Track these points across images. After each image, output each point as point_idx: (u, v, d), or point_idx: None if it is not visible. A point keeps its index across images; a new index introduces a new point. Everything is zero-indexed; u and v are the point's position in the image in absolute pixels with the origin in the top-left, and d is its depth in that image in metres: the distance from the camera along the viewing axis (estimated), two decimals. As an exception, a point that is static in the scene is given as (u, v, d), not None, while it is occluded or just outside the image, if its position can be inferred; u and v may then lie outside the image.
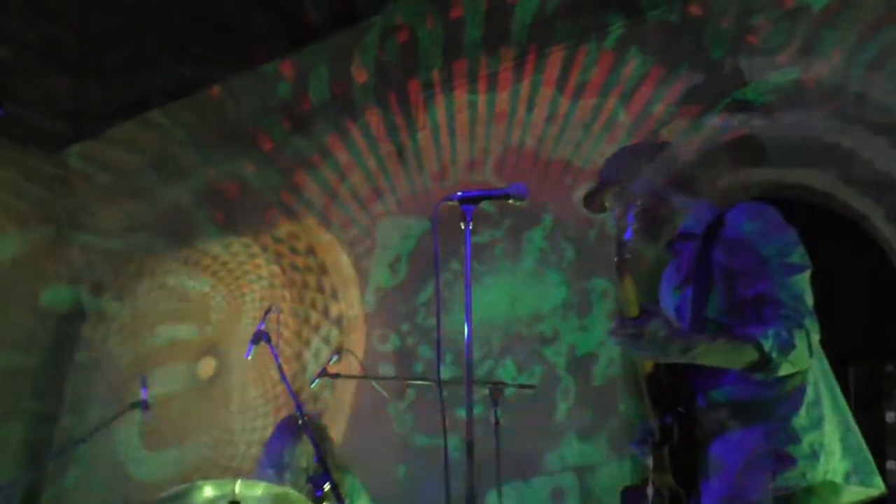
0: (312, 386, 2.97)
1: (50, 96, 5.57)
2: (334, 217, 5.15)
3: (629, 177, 2.15)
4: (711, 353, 1.83)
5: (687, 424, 1.92)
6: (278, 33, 5.16)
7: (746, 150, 3.81)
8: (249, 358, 2.72)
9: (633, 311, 1.90)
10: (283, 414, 4.24)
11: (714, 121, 3.97)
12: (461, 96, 4.89)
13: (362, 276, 4.89)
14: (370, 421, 4.42)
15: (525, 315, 4.24)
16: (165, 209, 5.88)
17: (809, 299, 1.87)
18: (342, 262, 5.02)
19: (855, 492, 1.86)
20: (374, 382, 3.42)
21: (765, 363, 1.78)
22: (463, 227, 2.06)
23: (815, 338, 1.83)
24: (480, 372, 4.21)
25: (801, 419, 1.83)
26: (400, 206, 4.91)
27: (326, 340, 4.83)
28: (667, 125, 4.20)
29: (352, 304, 4.87)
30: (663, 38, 4.30)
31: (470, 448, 1.82)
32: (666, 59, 4.26)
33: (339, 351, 3.11)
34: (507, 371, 4.18)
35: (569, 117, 4.51)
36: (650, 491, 1.91)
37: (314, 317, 4.98)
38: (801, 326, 1.80)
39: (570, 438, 3.87)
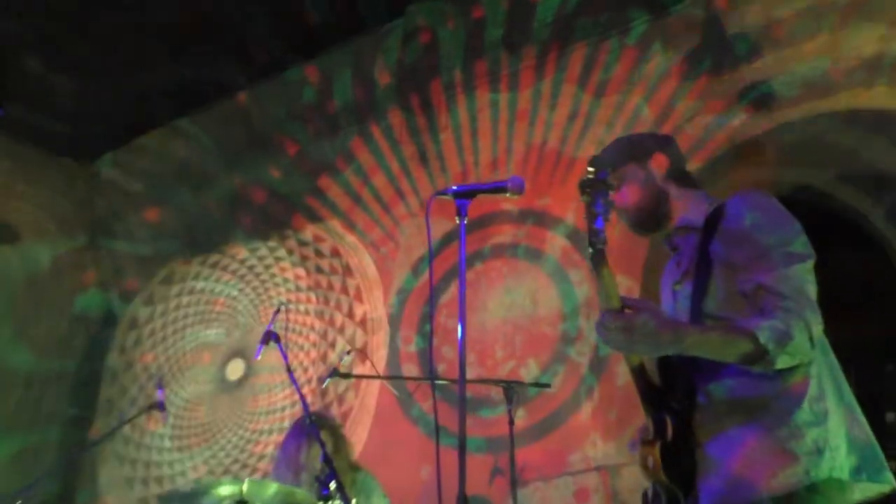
0: (324, 385, 2.97)
1: (82, 107, 5.70)
2: (358, 220, 5.17)
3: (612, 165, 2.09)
4: (705, 345, 1.76)
5: (682, 421, 1.83)
6: (302, 38, 5.23)
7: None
8: (259, 358, 2.73)
9: (616, 303, 1.82)
10: (309, 415, 4.26)
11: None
12: (483, 96, 4.89)
13: (386, 277, 4.90)
14: (393, 421, 4.41)
15: (548, 314, 4.20)
16: (193, 215, 5.96)
17: (812, 290, 1.79)
18: (366, 263, 5.04)
19: (863, 488, 1.76)
20: (386, 382, 3.41)
21: (761, 355, 1.70)
22: (458, 221, 2.00)
23: (817, 329, 1.75)
24: (503, 372, 4.18)
25: (803, 414, 1.74)
26: (423, 207, 4.91)
27: (352, 342, 4.84)
28: (691, 121, 4.14)
29: (375, 305, 4.88)
30: (686, 32, 4.24)
31: (462, 448, 1.76)
32: (689, 55, 4.20)
33: (349, 351, 3.10)
34: (529, 371, 4.14)
35: (591, 115, 4.48)
36: (650, 491, 1.84)
37: (339, 318, 5.00)
38: (800, 318, 1.72)
39: (594, 438, 3.82)
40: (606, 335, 1.78)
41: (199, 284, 5.78)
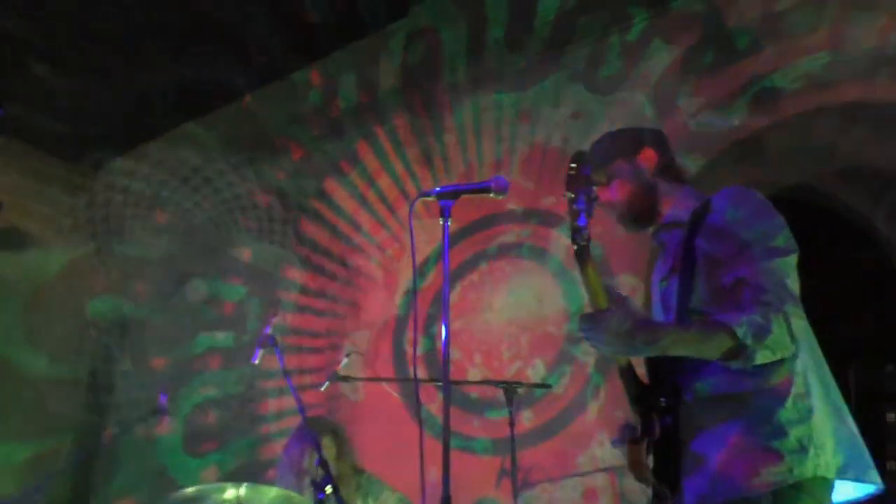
0: (322, 388, 2.97)
1: (90, 112, 5.74)
2: (363, 222, 5.18)
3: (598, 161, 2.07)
4: (682, 343, 1.72)
5: (669, 419, 1.82)
6: (305, 41, 5.24)
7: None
8: (257, 362, 2.74)
9: (601, 301, 1.79)
10: (317, 418, 4.26)
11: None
12: (486, 96, 4.88)
13: (391, 279, 4.91)
14: (401, 423, 4.42)
15: (553, 314, 4.19)
16: (200, 219, 6.00)
17: (794, 284, 1.76)
18: (372, 266, 5.04)
19: (850, 488, 1.75)
20: (384, 384, 3.42)
21: (739, 351, 1.67)
22: (441, 222, 1.99)
23: (798, 323, 1.72)
24: (510, 373, 4.18)
25: (786, 412, 1.71)
26: (427, 209, 4.91)
27: (358, 345, 4.85)
28: (694, 117, 4.12)
29: (382, 308, 4.89)
30: (687, 28, 4.22)
31: (446, 448, 1.77)
32: (691, 50, 4.18)
33: (348, 353, 3.10)
34: (537, 371, 4.14)
35: (594, 113, 4.46)
36: (649, 492, 1.84)
37: (345, 321, 5.02)
38: (780, 311, 1.69)
39: (602, 438, 3.81)
40: (585, 336, 1.76)
41: (208, 287, 5.81)
